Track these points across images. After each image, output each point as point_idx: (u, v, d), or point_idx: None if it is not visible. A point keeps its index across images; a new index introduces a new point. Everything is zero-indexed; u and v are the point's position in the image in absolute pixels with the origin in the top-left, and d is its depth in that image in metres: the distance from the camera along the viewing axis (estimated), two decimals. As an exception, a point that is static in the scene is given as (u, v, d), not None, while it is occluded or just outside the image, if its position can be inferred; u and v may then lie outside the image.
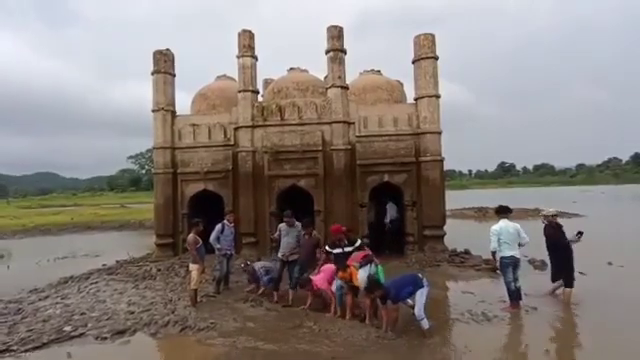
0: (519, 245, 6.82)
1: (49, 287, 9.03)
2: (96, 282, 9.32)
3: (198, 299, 7.36)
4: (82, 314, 6.95)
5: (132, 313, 6.92)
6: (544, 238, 7.34)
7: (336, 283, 6.50)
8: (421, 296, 5.61)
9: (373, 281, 5.74)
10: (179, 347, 5.65)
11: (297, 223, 7.78)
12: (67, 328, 6.26)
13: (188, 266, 7.83)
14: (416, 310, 5.54)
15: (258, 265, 7.96)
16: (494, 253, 6.82)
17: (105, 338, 5.93)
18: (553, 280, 7.40)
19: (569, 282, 6.99)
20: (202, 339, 5.80)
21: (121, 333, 6.09)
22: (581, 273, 7.80)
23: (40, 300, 7.99)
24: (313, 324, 6.09)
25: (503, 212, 6.99)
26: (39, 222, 26.79)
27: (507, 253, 6.70)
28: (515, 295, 6.73)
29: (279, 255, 7.85)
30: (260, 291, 7.72)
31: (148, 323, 6.41)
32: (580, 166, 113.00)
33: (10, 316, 6.98)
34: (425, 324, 5.50)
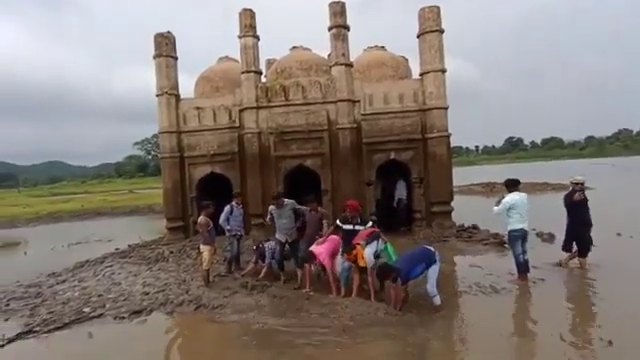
0: None
1: (66, 271, 9.27)
2: (111, 265, 9.57)
3: (210, 279, 7.52)
4: (99, 296, 7.17)
5: (147, 294, 7.13)
6: (565, 203, 7.26)
7: (343, 264, 6.44)
8: (434, 273, 5.59)
9: (383, 266, 5.71)
10: (195, 324, 5.82)
11: (287, 201, 7.69)
12: (86, 309, 6.47)
13: (199, 247, 7.96)
14: (428, 287, 5.55)
15: (268, 245, 7.96)
16: (498, 202, 6.80)
17: (123, 318, 6.13)
18: (565, 248, 7.36)
19: (584, 252, 7.04)
20: (216, 316, 5.97)
21: (138, 313, 6.29)
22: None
23: (58, 284, 8.23)
24: (321, 302, 6.12)
25: (515, 185, 6.91)
26: (51, 210, 27.27)
27: (518, 226, 6.70)
28: (523, 267, 6.78)
29: (277, 237, 7.78)
30: (263, 273, 7.62)
31: (164, 303, 6.61)
32: (590, 139, 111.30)
33: (31, 299, 7.22)
34: (437, 300, 5.53)
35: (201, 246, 7.69)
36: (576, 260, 7.31)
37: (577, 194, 7.06)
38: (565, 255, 7.46)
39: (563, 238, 7.55)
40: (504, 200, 6.79)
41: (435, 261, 5.68)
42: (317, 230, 7.47)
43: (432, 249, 5.97)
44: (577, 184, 7.15)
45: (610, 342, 4.48)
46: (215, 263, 9.11)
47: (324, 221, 7.52)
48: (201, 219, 7.69)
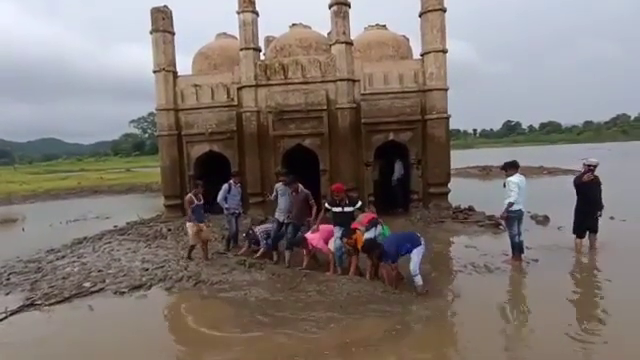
0: None
1: (64, 247, 9.32)
2: (109, 242, 9.62)
3: (209, 256, 7.64)
4: (99, 271, 7.24)
5: (146, 270, 7.20)
6: (575, 184, 7.25)
7: (335, 243, 6.48)
8: (417, 254, 5.66)
9: (371, 241, 5.90)
10: (195, 299, 5.91)
11: (302, 190, 7.51)
12: (86, 284, 6.55)
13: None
14: (411, 266, 5.59)
15: (259, 229, 7.93)
16: (511, 204, 6.66)
17: (123, 293, 6.22)
18: (575, 232, 7.30)
19: (594, 228, 7.15)
20: (215, 292, 6.07)
21: (137, 288, 6.37)
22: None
23: (58, 259, 8.28)
24: (317, 279, 6.21)
25: (514, 167, 6.90)
26: (48, 187, 27.18)
27: (516, 207, 6.75)
28: (518, 248, 6.90)
29: (276, 216, 7.78)
30: (259, 253, 7.67)
31: (163, 278, 6.69)
32: (587, 123, 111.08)
33: (31, 274, 7.29)
34: (419, 280, 5.55)
35: (186, 222, 7.81)
36: (586, 241, 7.31)
37: (586, 175, 7.06)
38: (577, 240, 7.30)
39: (573, 222, 7.42)
40: (511, 182, 6.76)
41: (420, 244, 5.77)
42: (304, 211, 7.33)
43: (417, 234, 6.06)
44: (590, 166, 7.15)
45: (600, 320, 4.61)
46: (214, 241, 9.25)
47: (310, 201, 7.40)
48: (187, 197, 7.90)
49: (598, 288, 5.80)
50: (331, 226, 6.80)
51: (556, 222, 9.53)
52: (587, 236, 7.31)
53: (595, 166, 7.16)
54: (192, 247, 7.70)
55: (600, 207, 7.16)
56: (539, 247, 7.53)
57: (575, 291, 5.79)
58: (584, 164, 7.29)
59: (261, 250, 7.74)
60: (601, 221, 7.34)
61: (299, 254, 7.15)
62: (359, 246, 6.09)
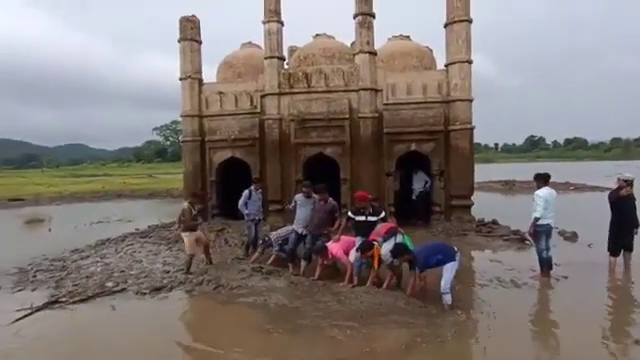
0: None
1: (88, 248, 9.51)
2: (132, 244, 9.78)
3: (213, 262, 7.66)
4: (121, 272, 7.35)
5: (167, 272, 7.27)
6: (611, 199, 6.92)
7: (355, 254, 6.31)
8: (450, 270, 5.37)
9: (400, 245, 5.65)
10: (215, 303, 5.89)
11: (315, 195, 7.39)
12: (109, 284, 6.64)
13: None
14: (442, 282, 5.33)
15: (274, 235, 7.73)
16: (537, 219, 6.49)
17: (144, 294, 6.25)
18: (610, 251, 6.96)
19: (630, 246, 6.83)
20: (235, 297, 6.04)
21: (158, 290, 6.40)
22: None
23: (82, 259, 8.46)
24: (335, 290, 6.05)
25: (544, 179, 6.73)
26: (73, 190, 28.01)
27: (544, 221, 6.54)
28: (546, 264, 6.64)
29: (294, 227, 7.57)
30: (271, 260, 7.47)
31: (183, 281, 6.72)
32: (615, 140, 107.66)
33: (56, 272, 7.45)
34: (448, 299, 5.29)
35: (181, 233, 7.50)
36: (620, 258, 6.97)
37: (625, 189, 6.75)
38: (612, 259, 6.94)
39: (607, 239, 7.04)
40: (537, 196, 6.57)
41: (454, 259, 5.46)
42: (325, 222, 7.15)
43: (454, 248, 5.76)
44: (626, 181, 6.87)
45: (637, 341, 4.36)
46: (233, 246, 9.28)
47: (336, 214, 7.26)
48: (184, 206, 7.50)
49: (634, 308, 5.50)
50: (352, 238, 6.65)
51: (585, 239, 9.17)
52: (621, 254, 6.97)
53: (631, 181, 6.86)
54: (191, 257, 7.29)
55: (636, 224, 6.84)
56: (569, 264, 7.22)
57: (609, 311, 5.50)
58: (618, 179, 7.00)
59: (272, 256, 7.55)
60: (636, 239, 7.00)
61: (314, 265, 6.94)
62: (375, 262, 5.88)
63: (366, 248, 5.97)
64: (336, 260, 6.81)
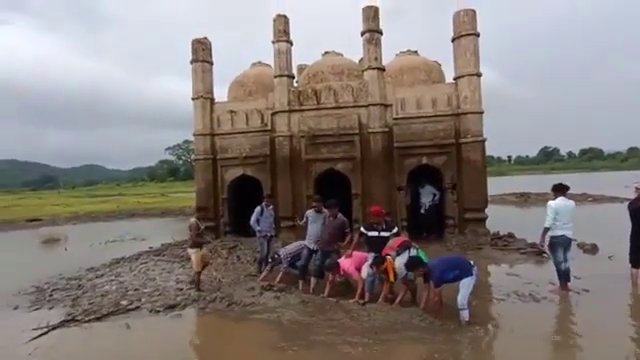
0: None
1: (103, 267, 9.62)
2: (145, 262, 9.86)
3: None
4: (135, 290, 7.39)
5: (181, 290, 7.29)
6: (630, 209, 6.74)
7: (367, 270, 6.20)
8: (467, 286, 5.24)
9: (415, 259, 5.58)
10: (228, 320, 5.87)
11: (325, 210, 7.32)
12: (124, 302, 6.67)
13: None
14: (458, 298, 5.20)
15: (284, 252, 7.58)
16: (546, 230, 6.44)
17: (158, 311, 6.27)
18: (632, 263, 6.73)
19: None
20: (248, 314, 6.00)
21: (172, 307, 6.41)
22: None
23: (97, 278, 8.56)
24: (348, 307, 5.94)
25: (561, 190, 6.60)
26: (89, 210, 28.49)
27: (559, 232, 6.40)
28: (564, 276, 6.47)
29: (306, 243, 7.50)
30: (279, 277, 7.29)
31: (196, 299, 6.71)
32: (632, 150, 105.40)
33: (72, 291, 7.54)
34: (465, 315, 5.15)
35: (188, 249, 7.45)
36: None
37: (637, 199, 6.58)
38: (634, 270, 6.72)
39: (628, 250, 6.83)
40: (548, 206, 6.48)
41: (471, 274, 5.32)
42: (335, 237, 7.07)
43: (471, 262, 5.61)
44: None
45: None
46: (245, 262, 9.28)
47: (346, 230, 7.16)
48: (192, 221, 7.50)
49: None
50: (364, 254, 6.57)
51: (605, 251, 8.92)
52: None
53: None
54: (199, 274, 7.29)
55: None
56: (589, 276, 7.01)
57: (632, 324, 5.30)
58: (636, 188, 6.83)
59: (280, 274, 7.35)
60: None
61: (324, 282, 6.81)
62: (390, 275, 5.77)
63: (379, 262, 5.88)
64: (348, 277, 6.71)
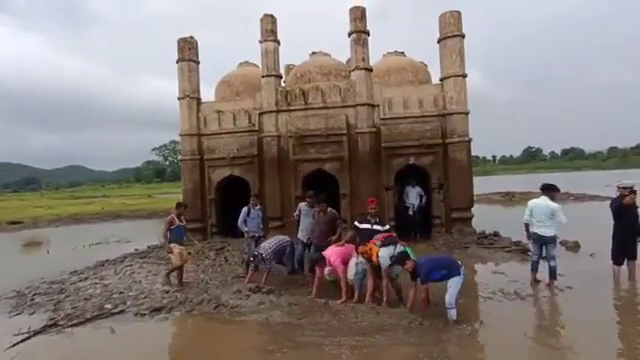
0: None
1: (87, 269, 9.42)
2: (130, 265, 9.68)
3: (184, 278, 7.73)
4: (120, 293, 7.25)
5: (167, 292, 7.17)
6: (613, 207, 6.91)
7: (357, 268, 6.20)
8: (455, 285, 5.28)
9: (404, 252, 5.57)
10: (217, 322, 5.80)
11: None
12: (108, 306, 6.54)
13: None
14: (446, 297, 5.25)
15: (265, 250, 7.33)
16: (526, 226, 6.97)
17: (144, 315, 6.16)
18: (615, 259, 6.89)
19: (634, 255, 6.80)
20: (236, 315, 5.95)
21: (158, 310, 6.30)
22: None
23: (80, 281, 8.36)
24: (336, 308, 5.93)
25: (544, 189, 6.93)
26: (72, 212, 27.88)
27: (533, 230, 6.84)
28: (533, 267, 6.92)
29: (299, 236, 7.66)
30: (264, 278, 7.16)
31: (183, 301, 6.62)
32: (612, 149, 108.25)
33: (54, 295, 7.35)
34: (453, 314, 5.21)
35: (170, 244, 7.59)
36: (625, 268, 6.90)
37: (629, 197, 6.71)
38: (615, 268, 6.89)
39: (611, 248, 7.01)
40: (528, 203, 6.98)
41: (459, 273, 5.38)
42: (327, 233, 7.13)
43: (459, 261, 5.65)
44: (625, 188, 6.85)
45: (646, 351, 4.28)
46: (233, 264, 9.20)
47: (337, 222, 7.26)
48: (168, 217, 7.81)
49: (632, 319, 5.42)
50: (351, 246, 6.56)
51: (587, 248, 9.13)
52: (625, 263, 6.91)
53: (632, 188, 6.85)
54: (179, 268, 7.55)
55: (639, 232, 6.80)
56: (573, 274, 7.16)
57: (615, 321, 5.43)
58: (618, 187, 7.01)
59: (265, 274, 7.20)
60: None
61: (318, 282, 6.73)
62: (373, 258, 5.81)
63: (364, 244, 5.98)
64: (334, 272, 6.61)
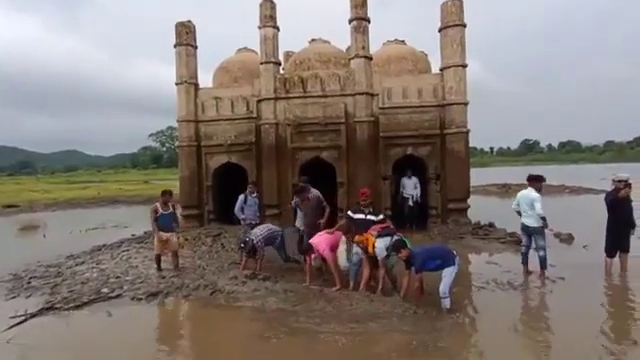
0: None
1: (84, 254, 9.43)
2: (127, 250, 9.72)
3: (180, 263, 7.92)
4: (117, 277, 7.29)
5: (164, 277, 7.23)
6: (608, 200, 6.94)
7: (353, 258, 6.25)
8: (449, 275, 5.34)
9: (400, 241, 5.59)
10: (213, 307, 5.85)
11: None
12: (105, 290, 6.58)
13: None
14: (440, 287, 5.31)
15: (256, 237, 7.27)
16: (519, 214, 7.14)
17: (140, 299, 6.20)
18: (607, 252, 6.97)
19: (626, 248, 6.87)
20: (232, 301, 6.00)
21: (155, 295, 6.34)
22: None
23: (77, 265, 8.39)
24: (331, 295, 5.97)
25: (530, 180, 7.06)
26: (68, 196, 27.78)
27: (521, 220, 7.04)
28: (541, 263, 6.82)
29: (297, 225, 7.68)
30: (258, 266, 7.22)
31: (179, 287, 6.66)
32: (609, 143, 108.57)
33: (51, 278, 7.37)
34: (447, 303, 5.27)
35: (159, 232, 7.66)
36: (617, 260, 6.97)
37: (624, 190, 6.73)
38: (608, 260, 6.97)
39: (605, 240, 7.06)
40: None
41: (454, 263, 5.43)
42: (317, 217, 7.17)
43: (453, 251, 5.70)
44: (620, 181, 6.86)
45: (636, 342, 4.37)
46: (230, 251, 9.24)
47: (323, 205, 7.28)
48: (152, 206, 7.95)
49: (631, 309, 5.51)
50: (338, 233, 6.56)
51: (581, 240, 9.23)
52: (617, 255, 7.00)
53: (627, 181, 6.89)
54: (158, 256, 7.70)
55: (633, 225, 6.87)
56: (565, 265, 7.24)
57: (606, 311, 5.53)
58: (613, 180, 7.05)
59: (259, 262, 7.24)
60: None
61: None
62: (369, 248, 5.85)
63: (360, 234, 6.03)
64: (322, 263, 6.68)
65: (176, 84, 12.32)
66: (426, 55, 13.63)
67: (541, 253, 6.78)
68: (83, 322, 5.48)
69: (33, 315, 5.59)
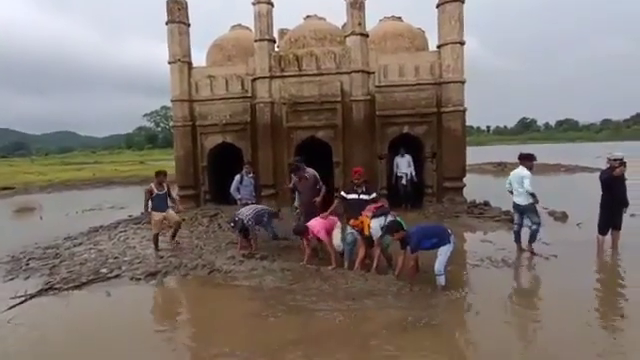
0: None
1: (81, 235, 9.46)
2: (124, 231, 9.75)
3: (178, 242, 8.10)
4: (115, 258, 7.34)
5: (162, 257, 7.29)
6: (603, 179, 6.97)
7: (347, 238, 6.29)
8: (444, 253, 5.40)
9: (395, 222, 5.62)
10: (211, 286, 5.93)
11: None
12: (103, 270, 6.63)
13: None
14: (436, 264, 5.37)
15: (247, 216, 7.24)
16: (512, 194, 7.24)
17: (139, 279, 6.26)
18: (600, 230, 7.03)
19: (618, 225, 6.96)
20: (230, 280, 6.08)
21: (153, 275, 6.41)
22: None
23: (75, 246, 8.42)
24: (327, 274, 6.02)
25: (521, 159, 7.08)
26: (64, 178, 27.63)
27: (513, 199, 7.12)
28: (515, 237, 7.16)
29: (295, 204, 7.73)
30: (254, 247, 7.26)
31: (178, 266, 6.73)
32: (606, 121, 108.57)
33: (49, 260, 7.41)
34: (442, 280, 5.34)
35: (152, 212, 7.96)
36: (609, 237, 7.07)
37: (619, 169, 6.75)
38: (600, 237, 7.03)
39: (598, 218, 7.09)
40: None
41: (449, 242, 5.48)
42: (313, 196, 7.15)
43: (449, 230, 5.73)
44: (616, 160, 6.87)
45: (623, 315, 4.49)
46: (226, 230, 9.28)
47: (319, 186, 7.26)
48: (147, 187, 8.11)
49: (621, 285, 5.63)
50: (335, 218, 6.63)
51: (575, 219, 9.33)
52: (609, 233, 7.09)
53: (622, 159, 6.90)
54: (156, 236, 7.88)
55: (626, 203, 6.93)
56: (558, 243, 7.36)
57: (596, 287, 5.64)
58: (608, 159, 7.06)
59: (253, 242, 7.26)
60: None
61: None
62: (365, 230, 5.89)
63: (356, 217, 6.05)
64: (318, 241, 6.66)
65: (169, 63, 12.08)
66: (423, 32, 13.38)
67: (533, 227, 6.87)
68: (82, 302, 5.54)
69: (33, 296, 5.64)
